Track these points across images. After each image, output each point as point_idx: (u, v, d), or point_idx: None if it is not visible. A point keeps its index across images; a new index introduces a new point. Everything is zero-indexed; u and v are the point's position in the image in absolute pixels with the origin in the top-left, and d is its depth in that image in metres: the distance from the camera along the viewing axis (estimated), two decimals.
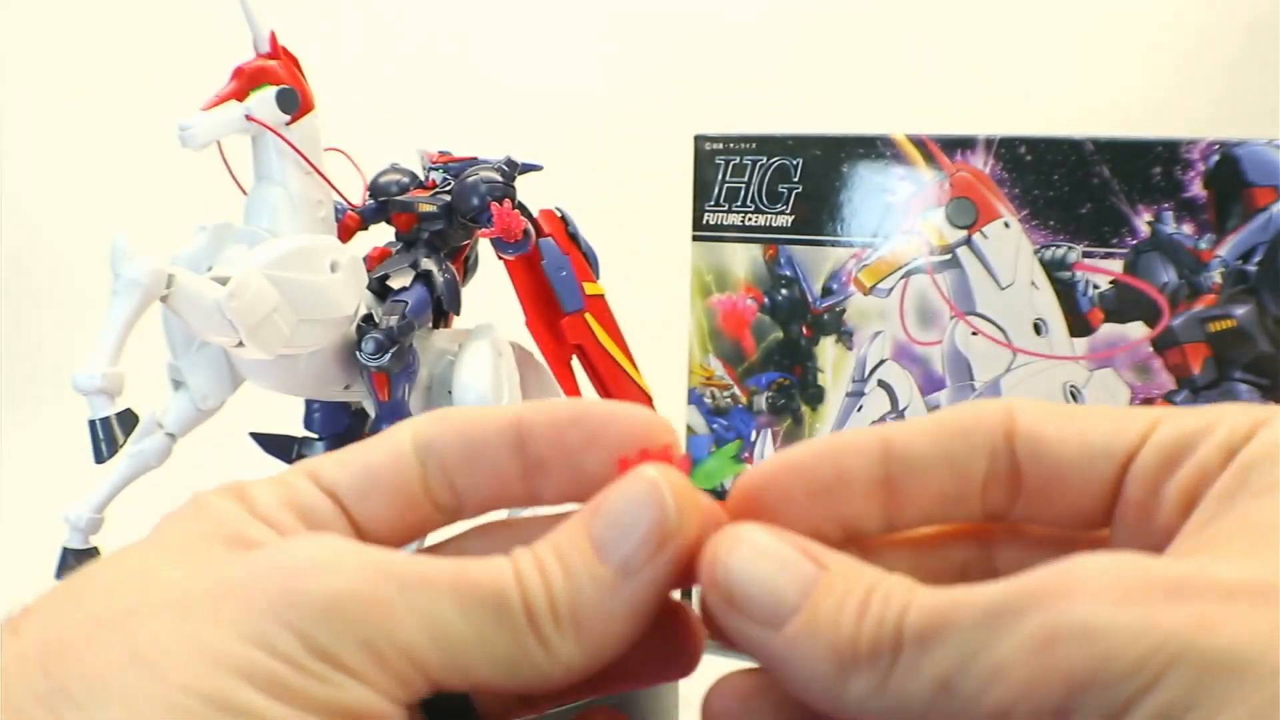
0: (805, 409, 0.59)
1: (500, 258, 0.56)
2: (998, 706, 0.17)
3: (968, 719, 0.17)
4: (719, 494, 0.22)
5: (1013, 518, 0.21)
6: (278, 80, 0.48)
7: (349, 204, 0.53)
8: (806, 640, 0.18)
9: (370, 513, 0.22)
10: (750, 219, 0.58)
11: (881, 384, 0.57)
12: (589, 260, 0.58)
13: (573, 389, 0.59)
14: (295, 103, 0.48)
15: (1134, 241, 0.51)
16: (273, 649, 0.17)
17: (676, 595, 0.22)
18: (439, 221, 0.53)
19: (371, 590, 0.18)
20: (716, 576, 0.20)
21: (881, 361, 0.57)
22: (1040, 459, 0.20)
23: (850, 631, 0.18)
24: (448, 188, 0.54)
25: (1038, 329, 0.53)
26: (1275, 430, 0.19)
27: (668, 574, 0.20)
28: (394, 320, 0.50)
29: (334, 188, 0.51)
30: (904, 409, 0.56)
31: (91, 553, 0.49)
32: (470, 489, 0.22)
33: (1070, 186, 0.51)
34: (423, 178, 0.56)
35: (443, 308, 0.54)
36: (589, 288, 0.57)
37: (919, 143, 0.54)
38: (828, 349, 0.58)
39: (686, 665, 0.23)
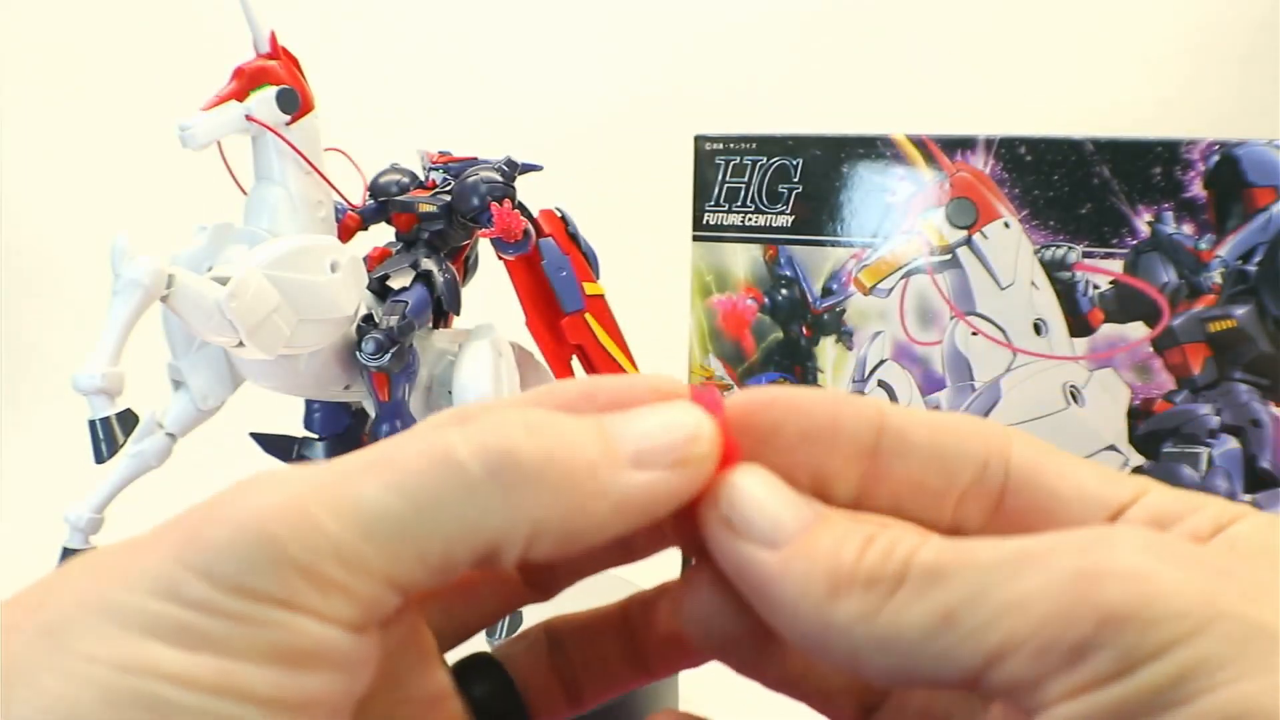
0: None
1: (500, 258, 0.56)
2: (1006, 641, 0.16)
3: (961, 655, 0.17)
4: None
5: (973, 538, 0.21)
6: (278, 80, 0.48)
7: (349, 204, 0.53)
8: (802, 560, 0.18)
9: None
10: (750, 219, 0.58)
11: (881, 384, 0.57)
12: (589, 260, 0.58)
13: None
14: (295, 103, 0.48)
15: (1134, 242, 0.51)
16: (180, 596, 0.16)
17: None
18: (439, 221, 0.53)
19: (277, 504, 0.16)
20: (721, 492, 0.19)
21: (881, 361, 0.57)
22: (1031, 489, 0.20)
23: (850, 559, 0.18)
24: (448, 188, 0.54)
25: (1038, 329, 0.53)
26: (1260, 517, 0.19)
27: (676, 480, 0.19)
28: (394, 320, 0.50)
29: (334, 188, 0.51)
30: None
31: None
32: None
33: (1070, 187, 0.51)
34: (423, 178, 0.56)
35: (443, 308, 0.54)
36: (589, 288, 0.57)
37: (919, 143, 0.54)
38: (828, 349, 0.58)
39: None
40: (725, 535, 0.19)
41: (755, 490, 0.19)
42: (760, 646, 0.21)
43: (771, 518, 0.19)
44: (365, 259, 0.53)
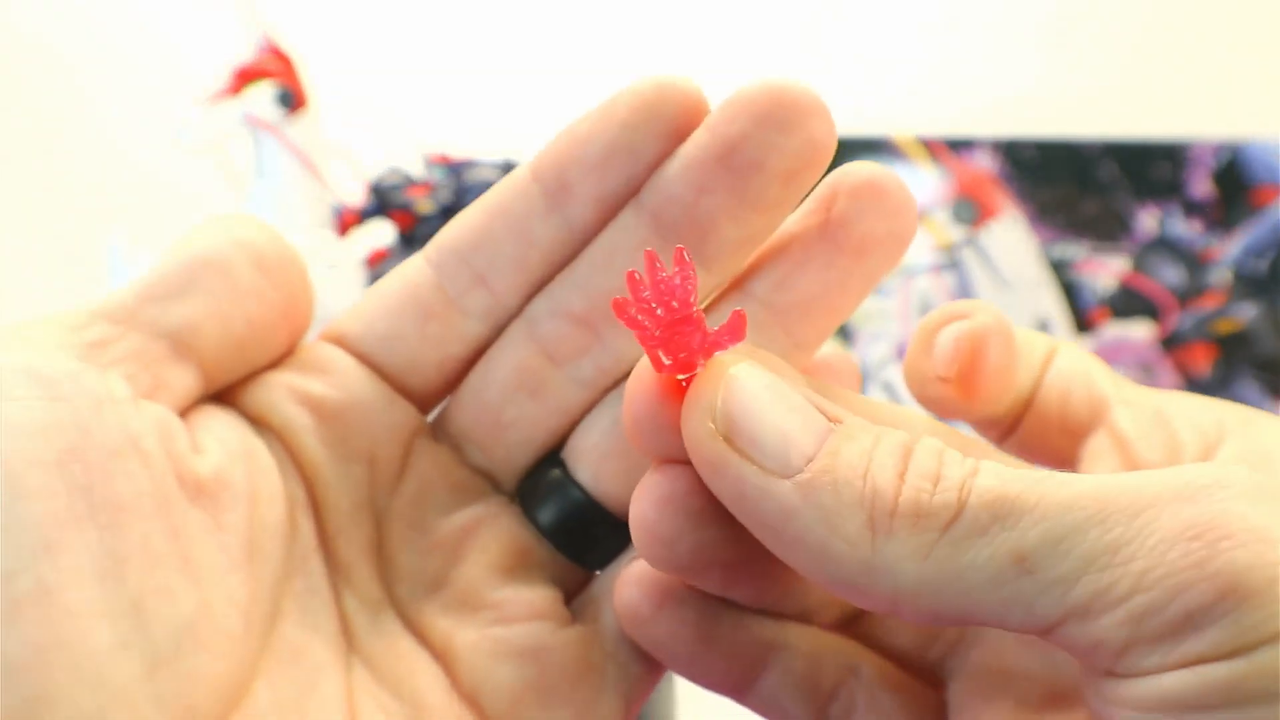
0: None
1: None
2: (1096, 598, 0.14)
3: (1037, 606, 0.14)
4: None
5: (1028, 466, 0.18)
6: (276, 79, 0.48)
7: (348, 203, 0.53)
8: (828, 491, 0.15)
9: (402, 355, 0.19)
10: None
11: (885, 385, 0.57)
12: None
13: None
14: (293, 102, 0.48)
15: (1140, 240, 0.50)
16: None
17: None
18: (438, 222, 0.53)
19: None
20: (714, 396, 0.16)
21: (884, 362, 0.56)
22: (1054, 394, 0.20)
23: (889, 486, 0.15)
24: (447, 188, 0.53)
25: (1042, 328, 0.53)
26: (1245, 424, 0.18)
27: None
28: None
29: (333, 187, 0.51)
30: None
31: None
32: (495, 267, 0.19)
33: (1075, 186, 0.51)
34: (421, 178, 0.55)
35: None
36: None
37: (922, 142, 0.54)
38: (829, 350, 0.58)
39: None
40: (725, 458, 0.15)
41: (760, 396, 0.16)
42: (737, 567, 0.18)
43: (782, 434, 0.15)
44: (365, 259, 0.53)
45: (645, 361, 0.16)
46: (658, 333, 0.16)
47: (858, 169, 0.18)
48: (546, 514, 0.20)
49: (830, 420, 0.16)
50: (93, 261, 0.56)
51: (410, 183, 0.55)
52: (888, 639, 0.19)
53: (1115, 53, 0.97)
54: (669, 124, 0.18)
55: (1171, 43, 0.95)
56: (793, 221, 0.19)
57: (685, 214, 0.18)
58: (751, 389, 0.16)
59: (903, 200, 0.18)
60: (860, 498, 0.15)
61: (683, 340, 0.16)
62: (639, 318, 0.16)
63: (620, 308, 0.16)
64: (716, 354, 0.16)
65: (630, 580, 0.18)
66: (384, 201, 0.54)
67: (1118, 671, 0.14)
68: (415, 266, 0.20)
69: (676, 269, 0.16)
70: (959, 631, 0.19)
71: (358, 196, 0.54)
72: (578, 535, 0.20)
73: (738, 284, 0.19)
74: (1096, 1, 0.97)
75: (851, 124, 0.57)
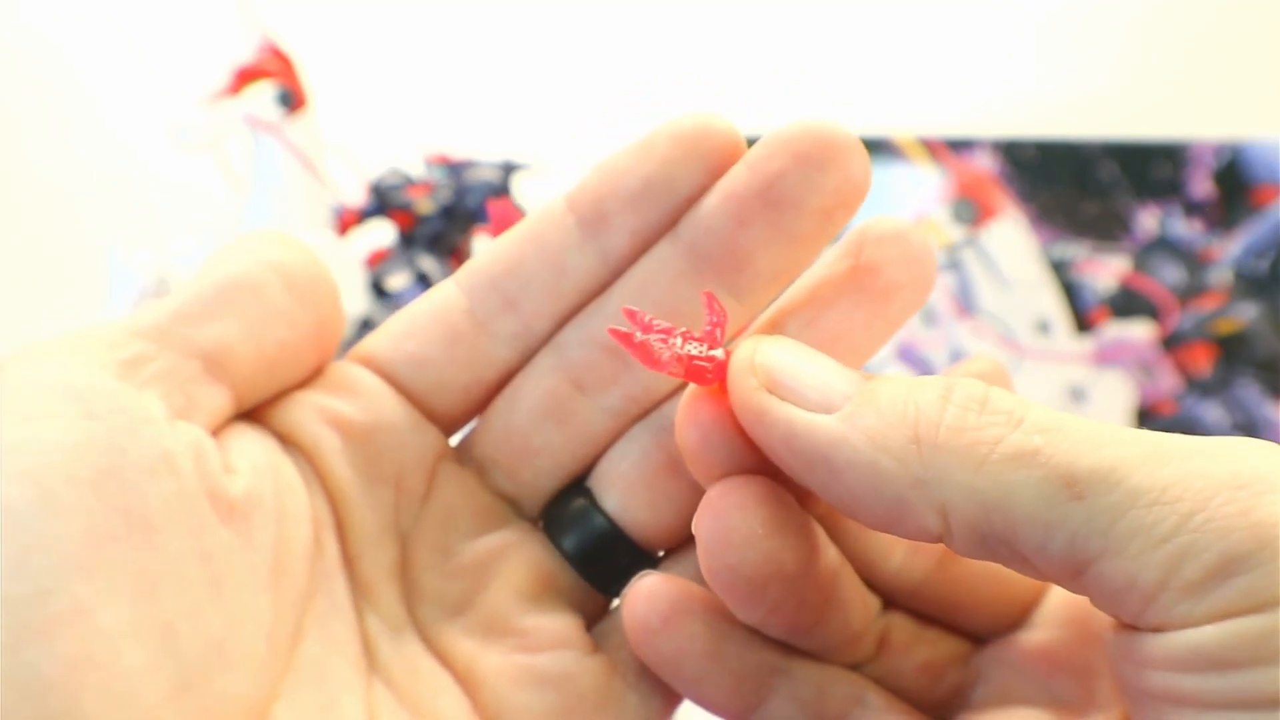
0: None
1: None
2: (1135, 536, 0.14)
3: (1079, 537, 0.14)
4: None
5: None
6: (276, 79, 0.48)
7: (348, 203, 0.53)
8: (870, 414, 0.15)
9: (429, 378, 0.20)
10: None
11: None
12: None
13: None
14: (293, 102, 0.48)
15: (1140, 240, 0.50)
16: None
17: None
18: (438, 222, 0.53)
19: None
20: (754, 367, 0.17)
21: (885, 362, 0.56)
22: None
23: (932, 405, 0.15)
24: (447, 188, 0.53)
25: (1042, 328, 0.53)
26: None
27: None
28: None
29: (333, 187, 0.51)
30: None
31: None
32: (526, 293, 0.19)
33: (1075, 186, 0.51)
34: (421, 178, 0.55)
35: None
36: None
37: (922, 142, 0.54)
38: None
39: None
40: (767, 407, 0.16)
41: (793, 354, 0.17)
42: (788, 582, 0.18)
43: (820, 379, 0.16)
44: (364, 259, 0.53)
45: (690, 389, 0.18)
46: (666, 356, 0.17)
47: (884, 221, 0.19)
48: (572, 541, 0.20)
49: (864, 378, 0.16)
50: (92, 261, 0.56)
51: (410, 183, 0.55)
52: (896, 680, 0.19)
53: (1115, 53, 0.97)
54: (708, 160, 0.19)
55: (1171, 43, 0.94)
56: (823, 265, 0.19)
57: (722, 246, 0.19)
58: (783, 351, 0.17)
59: (925, 251, 0.19)
60: (904, 417, 0.15)
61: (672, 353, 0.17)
62: (650, 340, 0.17)
63: (625, 338, 0.17)
64: (740, 341, 0.17)
65: (640, 595, 0.19)
66: (384, 201, 0.54)
67: (1146, 621, 0.14)
68: (446, 290, 0.20)
69: (708, 314, 0.17)
70: (964, 672, 0.19)
71: (358, 196, 0.54)
72: (603, 563, 0.20)
73: (769, 323, 0.19)
74: (1096, 2, 0.97)
75: (852, 124, 0.57)
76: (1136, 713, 0.15)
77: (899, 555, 0.19)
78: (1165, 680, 0.14)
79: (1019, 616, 0.19)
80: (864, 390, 0.16)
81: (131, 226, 0.48)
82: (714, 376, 0.17)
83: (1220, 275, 0.49)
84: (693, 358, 0.17)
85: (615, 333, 0.17)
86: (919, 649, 0.20)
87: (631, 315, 0.17)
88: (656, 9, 1.08)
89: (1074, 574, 0.15)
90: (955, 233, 0.54)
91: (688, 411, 0.17)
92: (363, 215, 0.54)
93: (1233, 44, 0.92)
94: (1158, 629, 0.14)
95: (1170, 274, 0.50)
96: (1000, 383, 0.19)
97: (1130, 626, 0.15)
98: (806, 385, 0.16)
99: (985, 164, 0.53)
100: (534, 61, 1.08)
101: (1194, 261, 0.50)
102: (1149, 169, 0.50)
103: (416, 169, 0.56)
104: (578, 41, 1.08)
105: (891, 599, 0.20)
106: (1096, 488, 0.14)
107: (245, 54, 0.48)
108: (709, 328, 0.17)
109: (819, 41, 1.05)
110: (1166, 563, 0.14)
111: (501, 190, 0.53)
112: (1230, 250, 0.49)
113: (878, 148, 0.55)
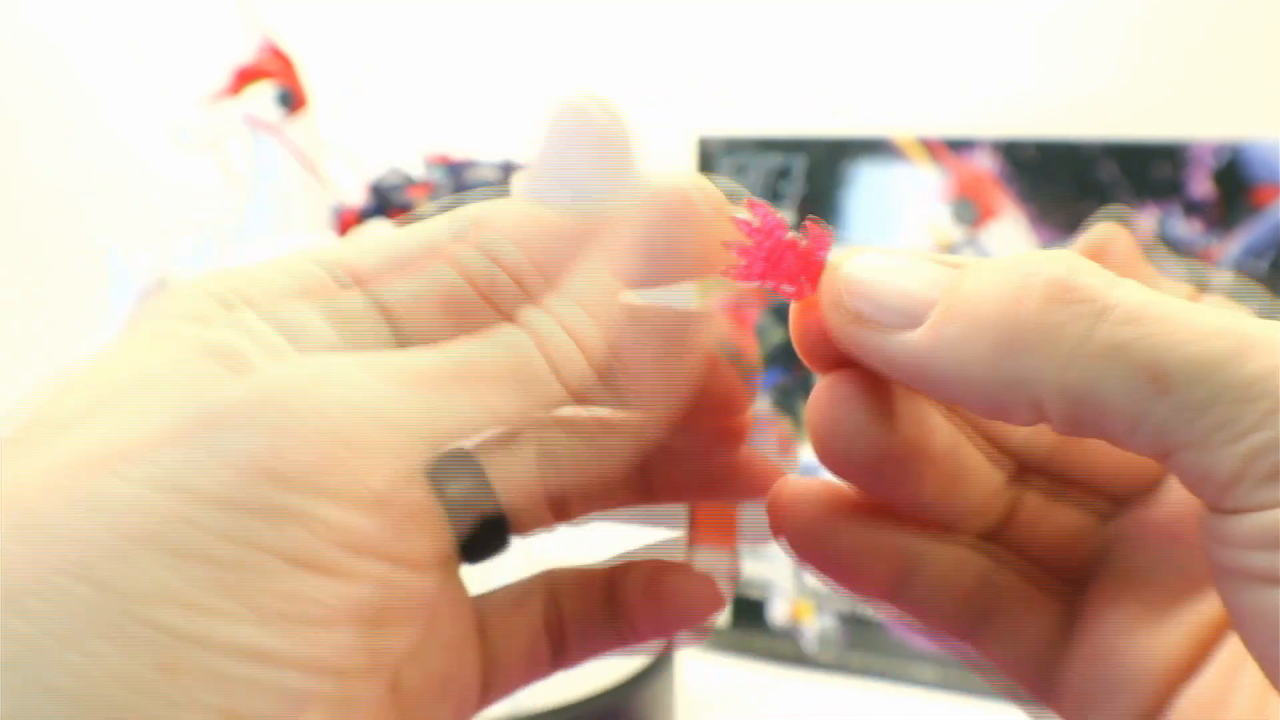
0: None
1: None
2: (1220, 428, 0.14)
3: (1167, 426, 0.15)
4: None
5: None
6: (276, 80, 0.48)
7: (347, 203, 0.53)
8: (952, 323, 0.16)
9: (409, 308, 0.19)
10: None
11: None
12: None
13: None
14: (293, 102, 0.48)
15: (1139, 241, 0.50)
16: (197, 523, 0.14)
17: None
18: None
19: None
20: (836, 288, 0.17)
21: None
22: None
23: (1011, 307, 0.16)
24: (447, 188, 0.53)
25: None
26: None
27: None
28: None
29: (333, 187, 0.51)
30: None
31: None
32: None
33: (1075, 186, 0.51)
34: (421, 178, 0.55)
35: None
36: None
37: (922, 142, 0.54)
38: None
39: (734, 439, 0.22)
40: (859, 340, 0.17)
41: (869, 273, 0.17)
42: (900, 464, 0.19)
43: (900, 294, 0.17)
44: None
45: (793, 307, 0.19)
46: (762, 262, 0.18)
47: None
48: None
49: (950, 268, 0.17)
50: (92, 261, 0.56)
51: (410, 183, 0.55)
52: (1027, 551, 0.20)
53: (1115, 53, 0.97)
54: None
55: (1171, 43, 0.94)
56: None
57: None
58: (859, 273, 0.17)
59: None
60: (988, 320, 0.16)
61: (783, 264, 0.18)
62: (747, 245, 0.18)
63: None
64: (827, 261, 0.18)
65: (802, 499, 0.20)
66: (384, 201, 0.54)
67: (1223, 505, 0.15)
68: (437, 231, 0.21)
69: (762, 216, 0.18)
70: (1092, 544, 0.20)
71: (358, 196, 0.54)
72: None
73: None
74: (1096, 2, 0.97)
75: (852, 124, 0.57)
76: (1219, 586, 0.16)
77: (1024, 429, 0.20)
78: (1238, 557, 0.15)
79: (1148, 484, 0.20)
80: (948, 293, 0.16)
81: (131, 226, 0.48)
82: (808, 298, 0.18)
83: (1223, 276, 0.49)
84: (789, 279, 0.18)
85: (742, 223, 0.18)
86: (1048, 521, 0.20)
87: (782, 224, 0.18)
88: (657, 9, 1.08)
89: (1161, 458, 0.15)
90: (955, 233, 0.54)
91: (797, 321, 0.19)
92: (363, 215, 0.54)
93: (1233, 44, 0.92)
94: (1233, 512, 0.15)
95: (1172, 275, 0.50)
96: (1120, 252, 0.20)
97: (1212, 507, 0.15)
98: (889, 307, 0.17)
99: (985, 164, 0.53)
100: (534, 62, 1.08)
101: (1195, 262, 0.50)
102: (1149, 169, 0.50)
103: (416, 169, 0.56)
104: (578, 42, 1.08)
105: (1026, 467, 0.20)
106: (1181, 383, 0.14)
107: (245, 54, 0.48)
108: (777, 223, 0.18)
109: (819, 41, 1.05)
110: (1244, 456, 0.14)
111: (501, 190, 0.53)
112: (1230, 250, 0.49)
113: (878, 148, 0.55)
